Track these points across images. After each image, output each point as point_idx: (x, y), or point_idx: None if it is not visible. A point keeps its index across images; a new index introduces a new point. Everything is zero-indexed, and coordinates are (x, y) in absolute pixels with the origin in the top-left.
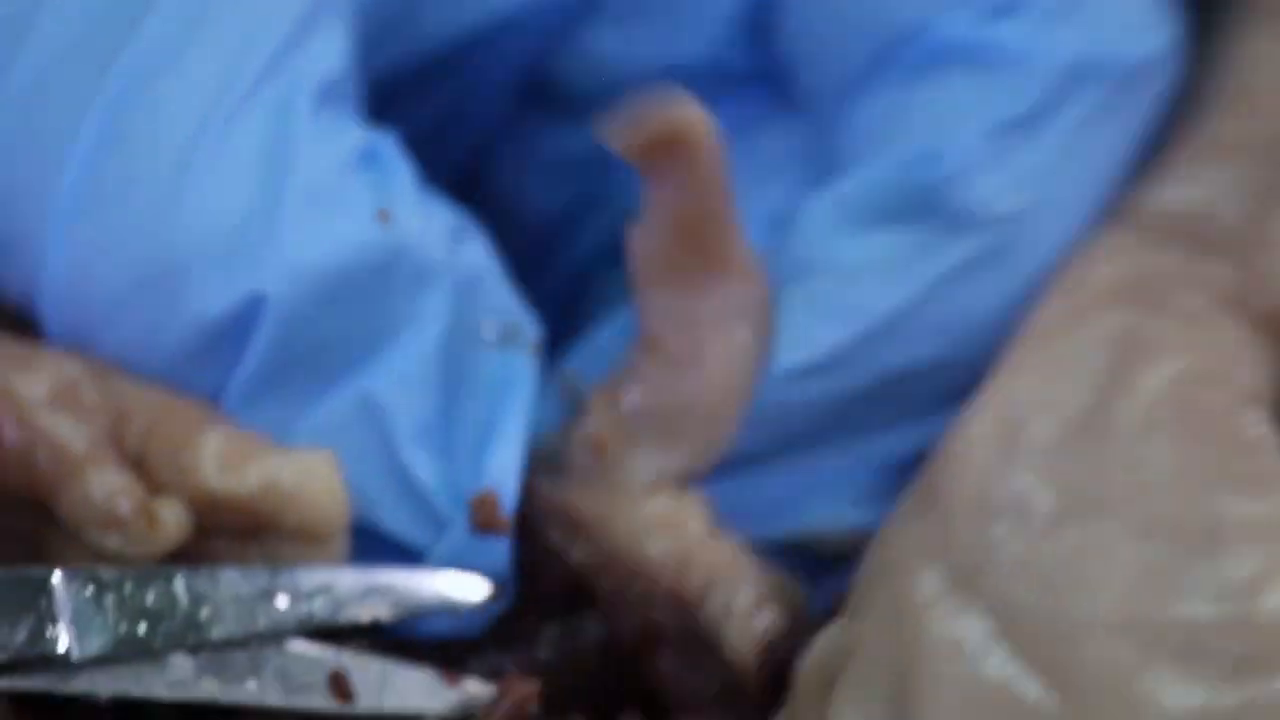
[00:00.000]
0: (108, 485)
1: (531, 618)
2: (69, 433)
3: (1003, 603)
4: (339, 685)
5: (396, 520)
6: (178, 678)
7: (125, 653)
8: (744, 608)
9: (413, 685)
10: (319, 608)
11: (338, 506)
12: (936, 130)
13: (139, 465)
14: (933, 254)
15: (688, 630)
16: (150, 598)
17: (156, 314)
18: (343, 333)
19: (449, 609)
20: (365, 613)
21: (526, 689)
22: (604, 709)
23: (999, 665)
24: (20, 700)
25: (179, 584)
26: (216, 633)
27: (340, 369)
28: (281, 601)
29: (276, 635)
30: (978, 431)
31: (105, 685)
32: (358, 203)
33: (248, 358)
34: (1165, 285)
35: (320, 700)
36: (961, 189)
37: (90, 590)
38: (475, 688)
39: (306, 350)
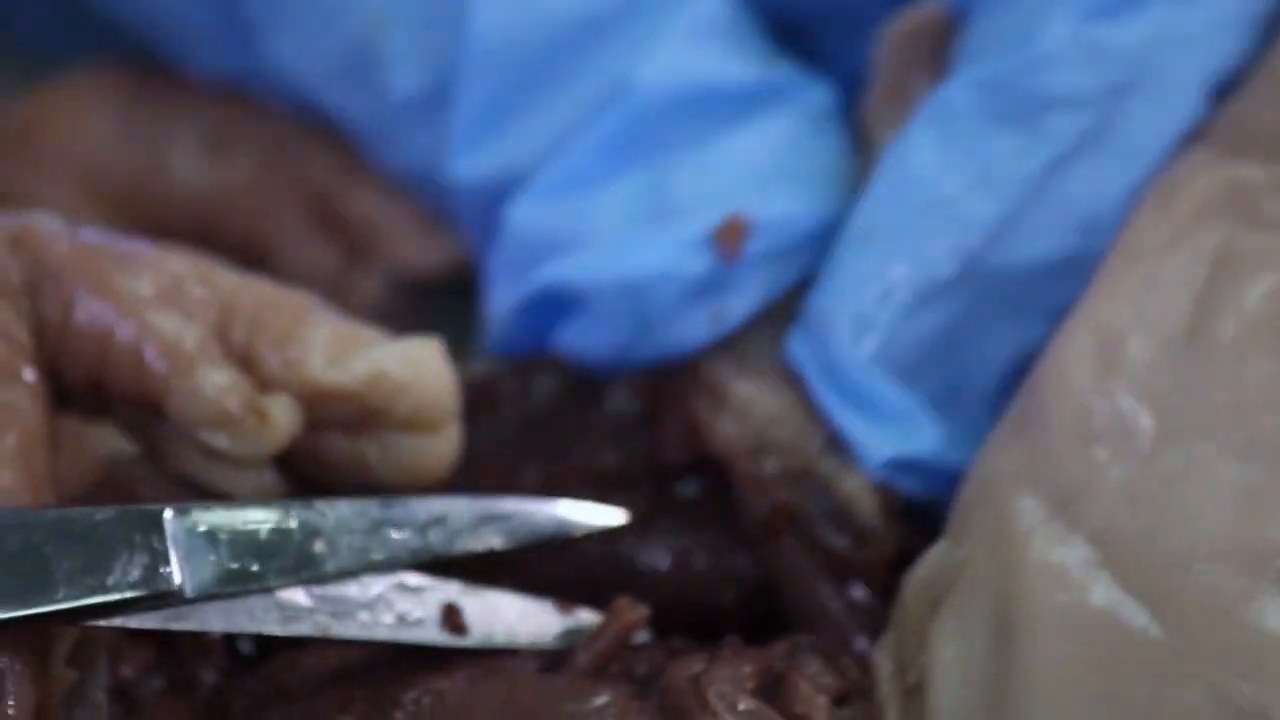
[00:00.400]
0: (217, 383)
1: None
2: (177, 331)
3: (1104, 530)
4: (452, 618)
5: None
6: (290, 612)
7: (237, 588)
8: (868, 491)
9: (525, 616)
10: (433, 539)
11: (448, 392)
12: (1028, 20)
13: (246, 362)
14: (1034, 147)
15: (815, 513)
16: (263, 532)
17: None
18: None
19: (564, 535)
20: (479, 543)
21: (635, 615)
22: (706, 630)
23: (1102, 594)
24: (135, 637)
25: (291, 518)
26: (329, 566)
27: None
28: (395, 533)
29: (389, 568)
30: (1074, 351)
31: (218, 621)
32: None
33: None
34: (1258, 198)
35: (433, 633)
36: (1053, 74)
37: (202, 526)
38: (587, 616)
39: None
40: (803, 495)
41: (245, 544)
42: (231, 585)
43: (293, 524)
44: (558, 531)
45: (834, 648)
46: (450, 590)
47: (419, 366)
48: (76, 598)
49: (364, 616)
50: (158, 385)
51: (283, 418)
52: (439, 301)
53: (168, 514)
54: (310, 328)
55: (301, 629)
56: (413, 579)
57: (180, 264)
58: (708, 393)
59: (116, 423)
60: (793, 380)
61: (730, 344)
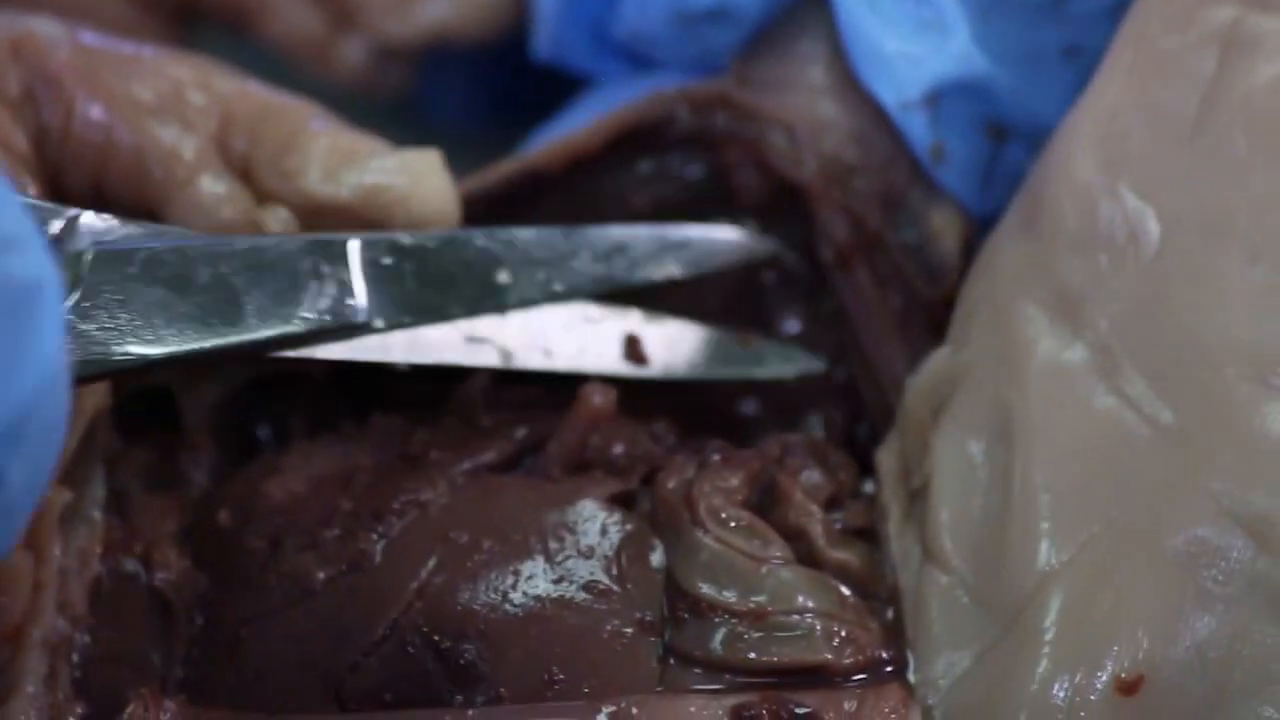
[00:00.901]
0: (214, 194)
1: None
2: (176, 140)
3: (1110, 334)
4: (633, 348)
5: None
6: (472, 344)
7: (421, 319)
8: (955, 222)
9: (707, 347)
10: (615, 267)
11: (448, 203)
12: None
13: (245, 173)
14: None
15: (896, 242)
16: (447, 262)
17: None
18: None
19: (746, 260)
20: (660, 271)
21: (603, 401)
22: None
23: (1105, 399)
24: (133, 444)
25: (475, 248)
26: (512, 297)
27: None
28: (577, 263)
29: (571, 298)
30: (1079, 145)
31: (400, 352)
32: None
33: None
34: None
35: (614, 364)
36: None
37: (388, 257)
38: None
39: None
40: (888, 222)
41: (430, 274)
42: (415, 315)
43: (477, 254)
44: (737, 258)
45: (826, 446)
46: (631, 320)
47: (417, 178)
48: (266, 328)
49: (545, 347)
50: (156, 194)
51: (278, 230)
52: None
53: (353, 244)
54: (309, 139)
55: (484, 359)
56: (594, 309)
57: (181, 69)
58: (773, 121)
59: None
60: (866, 103)
61: (786, 65)
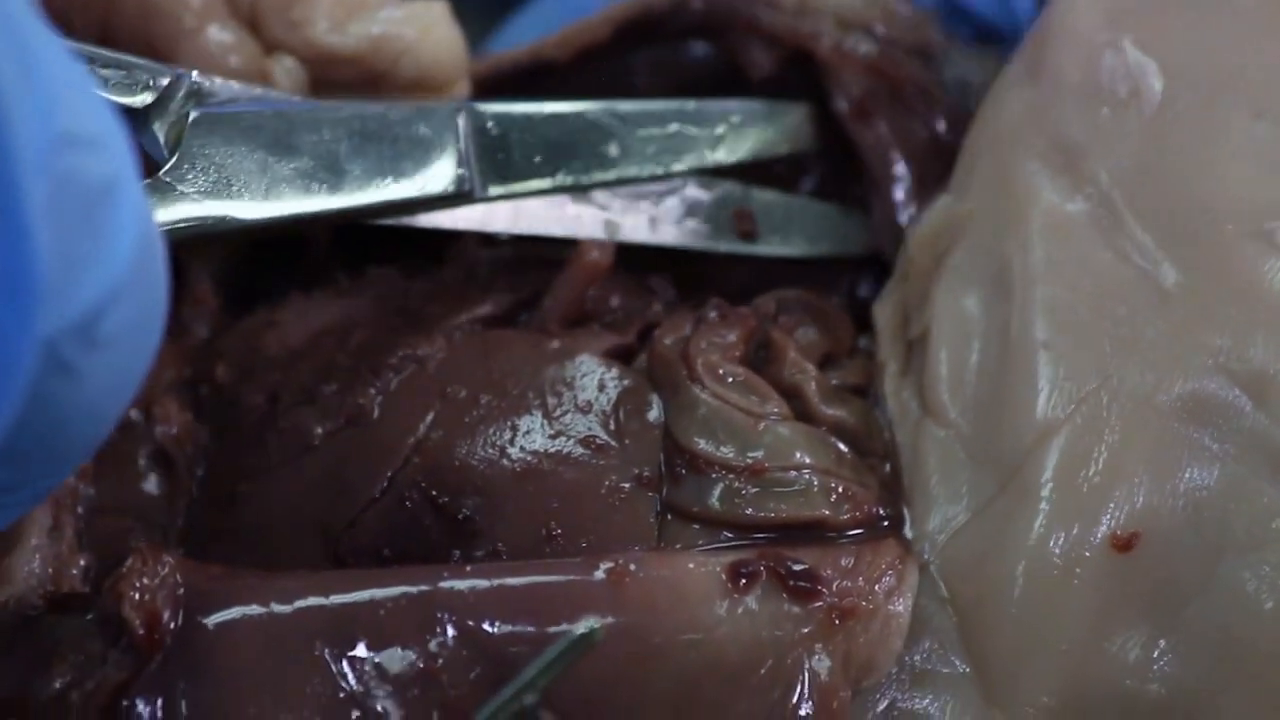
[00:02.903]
0: (221, 42)
1: None
2: None
3: (1111, 186)
4: (742, 222)
5: None
6: (578, 215)
7: (527, 189)
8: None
9: (820, 223)
10: (721, 143)
11: (456, 53)
12: None
13: (254, 22)
14: None
15: (904, 88)
16: (555, 133)
17: None
18: None
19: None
20: (766, 148)
21: (600, 256)
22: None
23: (1105, 252)
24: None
25: (586, 118)
26: (621, 169)
27: None
28: (688, 136)
29: (681, 172)
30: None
31: (503, 221)
32: None
33: None
34: None
35: (726, 240)
36: None
37: (495, 126)
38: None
39: None
40: (927, 67)
41: (537, 144)
42: (521, 185)
43: (586, 124)
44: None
45: (823, 302)
46: (739, 192)
47: (425, 29)
48: (368, 194)
49: (653, 220)
50: (163, 42)
51: (285, 80)
52: None
53: (461, 114)
54: None
55: (588, 230)
56: (704, 182)
57: None
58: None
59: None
60: None
61: None
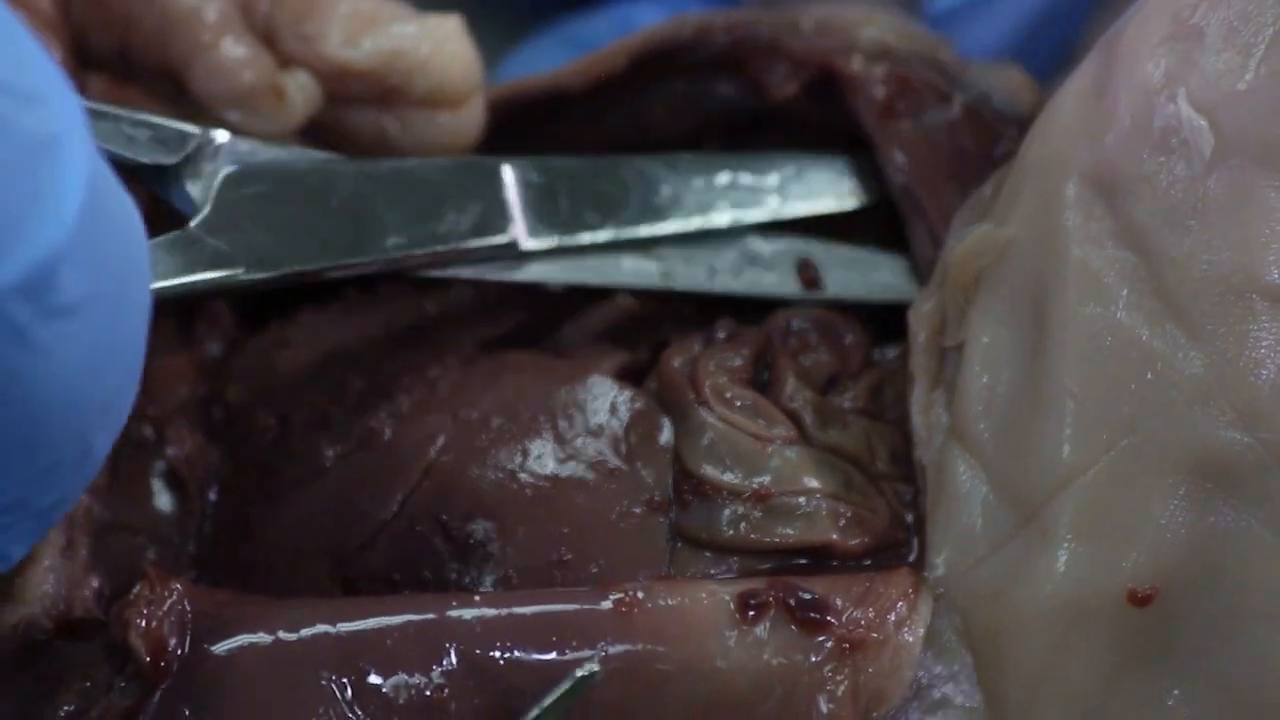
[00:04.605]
0: (236, 57)
1: None
2: (200, 2)
3: (1147, 233)
4: (806, 271)
5: None
6: (634, 265)
7: (575, 241)
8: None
9: (884, 272)
10: (784, 195)
11: (470, 69)
12: None
13: (269, 37)
14: None
15: (923, 92)
16: (603, 184)
17: None
18: None
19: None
20: (830, 204)
21: (626, 304)
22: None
23: (1138, 308)
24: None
25: (633, 169)
26: (672, 221)
27: None
28: (742, 188)
29: (737, 222)
30: (1150, 30)
31: (557, 272)
32: None
33: None
34: None
35: (788, 286)
36: None
37: (540, 178)
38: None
39: None
40: (948, 83)
41: (585, 195)
42: (570, 238)
43: (634, 176)
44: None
45: (835, 318)
46: (800, 244)
47: (438, 44)
48: (408, 250)
49: (710, 270)
50: (180, 57)
51: (299, 96)
52: None
53: (506, 168)
54: (331, 2)
55: (644, 280)
56: (765, 235)
57: None
58: (798, 25)
59: (145, 90)
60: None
61: None
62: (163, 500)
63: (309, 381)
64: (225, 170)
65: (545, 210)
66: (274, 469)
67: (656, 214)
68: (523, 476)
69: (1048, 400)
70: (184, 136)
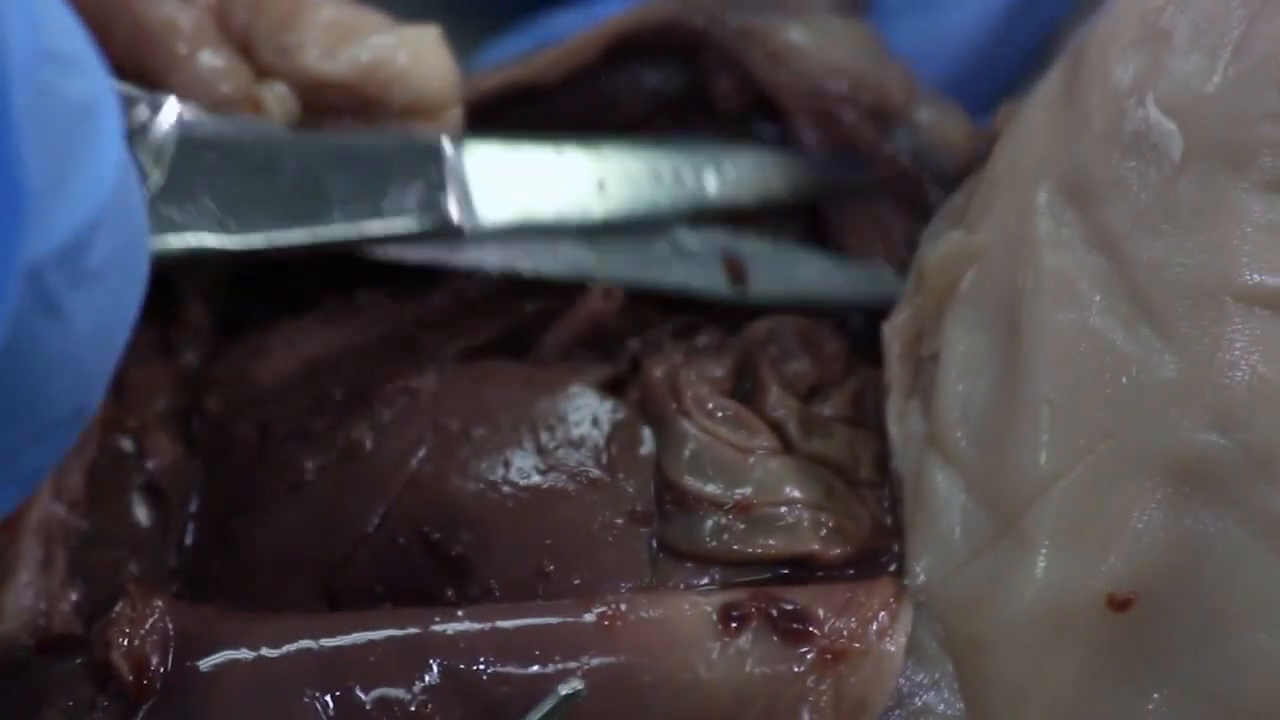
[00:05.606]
0: (213, 68)
1: None
2: (174, 12)
3: (1119, 237)
4: (733, 268)
5: None
6: (569, 254)
7: (513, 226)
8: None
9: (810, 270)
10: (715, 186)
11: (448, 81)
12: None
13: (246, 47)
14: None
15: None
16: (543, 171)
17: None
18: None
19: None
20: (758, 191)
21: (606, 303)
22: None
23: (1111, 313)
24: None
25: (574, 157)
26: (610, 210)
27: None
28: (677, 179)
29: (671, 216)
30: (1120, 32)
31: (494, 258)
32: None
33: None
34: None
35: (715, 283)
36: None
37: (481, 160)
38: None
39: None
40: (881, 135)
41: (524, 180)
42: (507, 222)
43: (575, 164)
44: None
45: (815, 327)
46: (726, 238)
47: (416, 56)
48: (353, 227)
49: (643, 260)
50: (155, 69)
51: (277, 107)
52: None
53: (446, 145)
54: (309, 13)
55: (581, 271)
56: (693, 227)
57: None
58: (755, 38)
59: (129, 92)
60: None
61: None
62: (142, 513)
63: (288, 392)
64: (175, 139)
65: (483, 193)
66: (255, 481)
67: (594, 206)
68: (505, 488)
69: (1024, 407)
70: (135, 103)
